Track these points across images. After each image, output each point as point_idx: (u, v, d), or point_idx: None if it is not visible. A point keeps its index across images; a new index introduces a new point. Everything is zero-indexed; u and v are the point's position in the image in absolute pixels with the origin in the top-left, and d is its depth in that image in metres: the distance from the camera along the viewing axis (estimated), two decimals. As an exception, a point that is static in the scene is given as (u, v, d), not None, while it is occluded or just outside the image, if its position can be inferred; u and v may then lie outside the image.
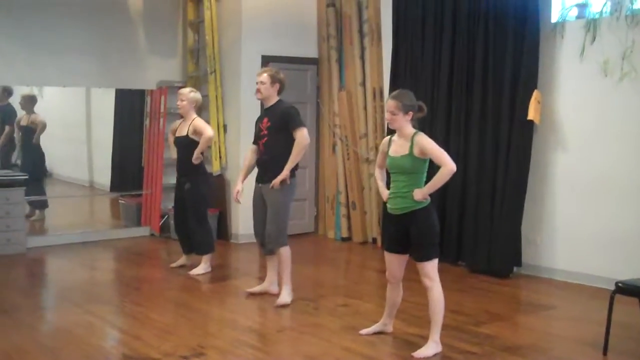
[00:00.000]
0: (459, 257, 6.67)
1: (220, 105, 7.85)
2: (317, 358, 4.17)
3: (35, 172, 7.84)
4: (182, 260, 6.53)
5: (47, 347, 4.37)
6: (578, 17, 5.99)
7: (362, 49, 7.76)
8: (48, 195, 8.18)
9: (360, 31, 7.76)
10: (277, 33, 7.80)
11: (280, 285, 5.41)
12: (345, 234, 7.96)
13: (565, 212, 6.09)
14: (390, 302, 4.50)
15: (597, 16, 5.82)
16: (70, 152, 8.75)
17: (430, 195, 4.15)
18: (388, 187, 4.35)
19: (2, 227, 6.96)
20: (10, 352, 4.24)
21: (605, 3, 5.78)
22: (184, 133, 6.19)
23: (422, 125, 6.45)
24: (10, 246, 6.98)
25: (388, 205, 4.30)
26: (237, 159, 7.68)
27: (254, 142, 5.45)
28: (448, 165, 4.06)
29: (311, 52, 8.14)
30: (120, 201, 8.56)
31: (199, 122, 6.17)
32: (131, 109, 8.58)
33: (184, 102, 6.21)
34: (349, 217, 7.94)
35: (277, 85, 5.29)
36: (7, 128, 7.74)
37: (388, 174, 4.37)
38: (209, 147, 6.81)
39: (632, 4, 5.58)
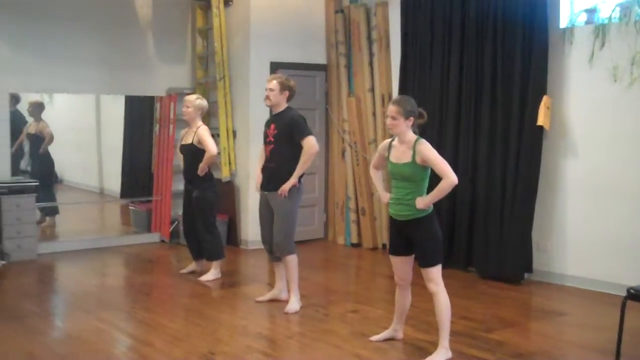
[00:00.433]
0: (470, 263, 6.65)
1: (229, 111, 7.88)
2: (328, 364, 4.17)
3: (45, 179, 7.87)
4: (192, 266, 6.54)
5: (58, 353, 4.38)
6: (587, 23, 5.97)
7: (371, 55, 7.77)
8: (58, 202, 8.21)
9: (369, 37, 7.77)
10: (285, 39, 7.82)
11: (289, 291, 5.42)
12: (355, 240, 7.95)
13: (576, 217, 6.06)
14: (399, 306, 4.50)
15: (606, 21, 5.80)
16: (80, 158, 8.80)
17: (439, 201, 4.16)
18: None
19: (13, 234, 6.99)
20: (21, 358, 4.26)
21: (614, 8, 5.76)
22: (190, 141, 6.19)
23: (432, 130, 6.56)
24: (21, 252, 7.00)
25: (390, 210, 4.31)
26: (246, 165, 7.71)
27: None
28: (449, 178, 4.07)
29: (320, 58, 8.15)
30: (130, 207, 8.58)
31: (203, 134, 6.09)
32: (141, 116, 8.62)
33: (190, 109, 6.20)
34: (358, 223, 7.93)
35: (287, 93, 5.29)
36: (20, 136, 7.77)
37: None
38: (218, 153, 6.81)
39: (641, 9, 5.57)
